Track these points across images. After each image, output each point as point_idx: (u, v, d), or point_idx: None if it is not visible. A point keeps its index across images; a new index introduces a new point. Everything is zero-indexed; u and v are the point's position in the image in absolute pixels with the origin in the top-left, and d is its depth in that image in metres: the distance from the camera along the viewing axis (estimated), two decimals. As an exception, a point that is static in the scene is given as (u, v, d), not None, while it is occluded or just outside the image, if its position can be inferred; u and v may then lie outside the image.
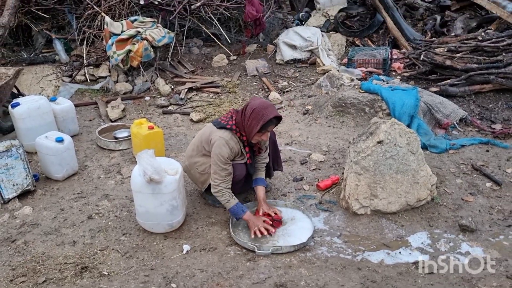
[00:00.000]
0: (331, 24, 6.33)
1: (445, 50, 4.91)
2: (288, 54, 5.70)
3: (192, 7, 5.32)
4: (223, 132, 2.65)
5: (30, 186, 3.16)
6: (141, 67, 5.03)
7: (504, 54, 4.58)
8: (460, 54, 4.74)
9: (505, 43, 4.64)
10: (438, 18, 5.99)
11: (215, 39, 5.65)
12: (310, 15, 6.59)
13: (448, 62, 4.71)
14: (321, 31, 5.99)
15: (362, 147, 2.86)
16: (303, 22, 6.45)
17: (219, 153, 2.60)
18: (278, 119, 2.62)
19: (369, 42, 6.04)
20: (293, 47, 5.71)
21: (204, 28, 5.63)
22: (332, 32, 6.22)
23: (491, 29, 5.41)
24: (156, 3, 5.34)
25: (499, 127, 3.89)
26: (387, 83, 4.45)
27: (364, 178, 2.80)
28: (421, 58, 4.94)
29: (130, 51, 4.85)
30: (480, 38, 4.90)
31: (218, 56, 5.72)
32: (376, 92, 4.16)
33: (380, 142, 2.79)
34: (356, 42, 6.06)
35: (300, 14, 6.53)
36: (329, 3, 6.51)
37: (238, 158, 2.73)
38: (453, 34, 5.56)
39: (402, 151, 2.80)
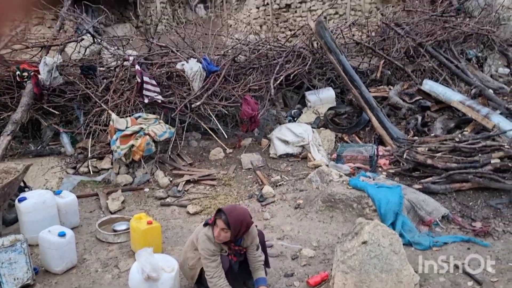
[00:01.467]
0: (321, 121, 6.79)
1: (426, 149, 5.29)
2: (281, 148, 6.07)
3: (193, 106, 5.77)
4: (207, 229, 2.94)
5: (30, 280, 3.27)
6: (142, 160, 5.34)
7: (480, 155, 4.94)
8: (440, 154, 5.11)
9: (480, 145, 5.02)
10: (419, 118, 6.48)
11: (212, 134, 6.04)
12: (302, 112, 7.09)
13: (429, 161, 5.06)
14: (312, 127, 6.45)
15: (348, 246, 3.06)
16: (295, 119, 6.92)
17: (204, 248, 2.86)
18: (225, 214, 2.81)
19: (357, 139, 6.46)
20: (286, 142, 6.10)
21: (203, 124, 6.05)
22: (322, 128, 6.67)
23: (467, 130, 5.84)
24: (159, 101, 5.80)
25: (479, 225, 4.11)
26: (373, 179, 4.74)
27: (350, 277, 2.96)
28: (404, 157, 5.30)
29: (133, 145, 5.20)
30: (457, 139, 5.30)
31: (215, 149, 6.08)
32: (363, 189, 4.43)
33: (364, 242, 2.99)
34: (345, 138, 6.48)
35: (292, 111, 7.03)
36: (319, 101, 7.03)
37: (222, 251, 2.94)
38: (433, 134, 5.99)
39: (385, 251, 2.99)
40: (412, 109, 6.85)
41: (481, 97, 6.59)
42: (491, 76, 8.98)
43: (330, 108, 6.87)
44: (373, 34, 8.08)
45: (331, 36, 6.83)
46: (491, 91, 7.72)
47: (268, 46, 6.73)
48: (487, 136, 5.24)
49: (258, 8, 12.41)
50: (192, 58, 5.98)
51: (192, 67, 5.88)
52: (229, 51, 6.53)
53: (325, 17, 13.09)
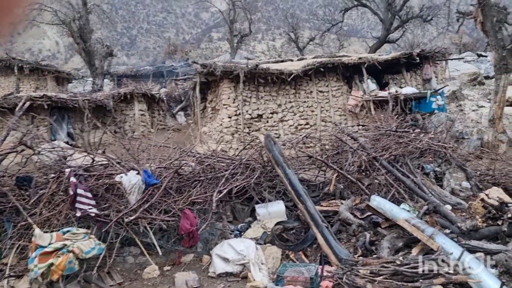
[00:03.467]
0: (268, 236, 6.52)
1: (368, 272, 4.98)
2: (220, 267, 5.72)
3: (126, 220, 5.56)
4: None
5: None
6: (61, 282, 4.95)
7: (421, 280, 4.64)
8: (381, 277, 4.79)
9: (421, 269, 4.74)
10: (368, 235, 6.24)
11: (144, 251, 5.73)
12: (250, 226, 6.85)
13: (368, 286, 4.73)
14: (258, 243, 6.16)
15: None
16: (242, 233, 6.66)
17: None
18: None
19: (303, 257, 6.14)
20: (226, 260, 5.77)
21: (137, 240, 5.77)
22: (269, 244, 6.37)
23: (411, 252, 5.58)
24: (93, 214, 5.59)
25: None
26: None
27: None
28: (343, 280, 4.97)
29: (52, 264, 4.86)
30: (398, 262, 5.02)
31: (150, 267, 5.72)
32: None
33: None
34: (290, 256, 6.16)
35: (239, 225, 6.79)
36: (267, 215, 6.84)
37: None
38: (380, 253, 5.71)
39: None
40: (362, 225, 6.63)
41: (429, 215, 6.43)
42: (452, 190, 8.94)
43: (278, 223, 6.64)
44: (327, 147, 8.19)
45: (279, 150, 6.88)
46: (448, 206, 7.62)
47: (216, 159, 6.72)
48: (430, 259, 4.97)
49: (230, 117, 12.81)
50: (132, 171, 5.92)
51: (130, 180, 5.79)
52: (174, 163, 6.50)
53: (296, 127, 13.49)
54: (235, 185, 6.42)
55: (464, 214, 7.67)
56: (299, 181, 7.80)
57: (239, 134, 12.64)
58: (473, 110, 17.61)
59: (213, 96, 14.29)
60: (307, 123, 13.41)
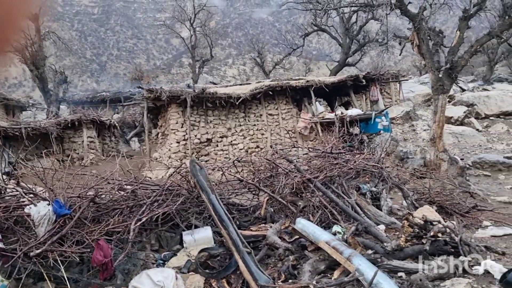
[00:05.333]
0: (192, 264, 6.33)
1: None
2: (135, 300, 5.47)
3: (31, 254, 5.28)
4: None
5: None
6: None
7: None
8: (292, 304, 4.67)
9: (331, 292, 4.65)
10: (291, 258, 6.13)
11: (49, 285, 5.44)
12: (176, 254, 6.64)
13: (279, 312, 4.59)
14: (182, 272, 5.96)
15: None
16: (166, 262, 6.44)
17: None
18: None
19: (225, 284, 5.95)
20: (143, 293, 5.53)
21: (45, 275, 5.48)
22: (192, 273, 6.17)
23: (330, 277, 5.51)
24: (-2, 248, 5.29)
25: None
26: None
27: None
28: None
29: None
30: (312, 286, 4.92)
31: (60, 303, 5.42)
32: None
33: None
34: (213, 284, 5.97)
35: (163, 254, 6.57)
36: (194, 242, 6.65)
37: None
38: (301, 277, 5.61)
39: None
40: (289, 249, 6.52)
41: (351, 236, 6.40)
42: (391, 210, 8.99)
43: (202, 250, 6.46)
44: (262, 170, 8.14)
45: (205, 175, 6.76)
46: (382, 226, 7.64)
47: (139, 185, 6.54)
48: (342, 282, 4.90)
49: (178, 142, 12.66)
50: (42, 201, 5.67)
51: (40, 211, 5.53)
52: (90, 191, 6.27)
53: (246, 151, 13.44)
54: (156, 212, 6.23)
55: (397, 233, 7.69)
56: (232, 206, 7.72)
57: (188, 159, 12.47)
58: (424, 130, 18.05)
59: (162, 121, 14.15)
60: (258, 146, 13.40)
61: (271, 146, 11.34)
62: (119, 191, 6.48)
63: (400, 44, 13.41)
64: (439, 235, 6.56)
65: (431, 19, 12.03)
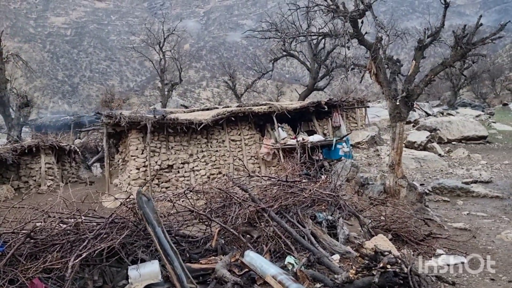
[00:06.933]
0: (136, 301, 6.07)
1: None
2: None
3: (-45, 295, 4.95)
4: None
5: None
6: None
7: None
8: None
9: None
10: (237, 294, 5.97)
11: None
12: (121, 291, 6.36)
13: None
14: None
15: None
16: (108, 300, 6.16)
17: None
18: None
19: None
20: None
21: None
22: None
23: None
24: None
25: None
26: None
27: None
28: None
29: None
30: (252, 325, 4.76)
31: None
32: None
33: None
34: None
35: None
36: (139, 277, 6.38)
37: None
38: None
39: None
40: (238, 283, 6.35)
41: (299, 269, 6.29)
42: (348, 238, 8.95)
43: (147, 286, 6.22)
44: (214, 199, 7.99)
45: (152, 207, 6.57)
46: (337, 256, 7.56)
47: (81, 218, 6.28)
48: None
49: (138, 169, 12.40)
50: (-28, 238, 5.36)
51: (-31, 248, 5.22)
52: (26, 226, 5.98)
53: (208, 177, 13.27)
54: (98, 247, 5.98)
55: (351, 263, 7.63)
56: (181, 237, 7.51)
57: (147, 186, 12.21)
58: (389, 155, 18.31)
59: (123, 147, 13.88)
60: (220, 172, 13.26)
61: (224, 175, 11.22)
62: (60, 225, 6.20)
63: (360, 72, 13.68)
64: (389, 266, 6.52)
65: (388, 48, 12.34)
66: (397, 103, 11.45)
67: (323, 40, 28.38)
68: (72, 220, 6.39)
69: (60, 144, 15.15)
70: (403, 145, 12.53)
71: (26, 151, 14.05)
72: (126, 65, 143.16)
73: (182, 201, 8.07)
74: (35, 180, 14.17)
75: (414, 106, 25.94)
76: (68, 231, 6.22)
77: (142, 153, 12.46)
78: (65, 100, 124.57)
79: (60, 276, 5.82)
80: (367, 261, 6.86)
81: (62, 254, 5.92)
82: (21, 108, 20.16)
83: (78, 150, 16.25)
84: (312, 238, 7.90)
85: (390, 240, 8.52)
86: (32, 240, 5.88)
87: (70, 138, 19.69)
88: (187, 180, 12.92)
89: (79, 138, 20.82)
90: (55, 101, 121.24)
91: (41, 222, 6.18)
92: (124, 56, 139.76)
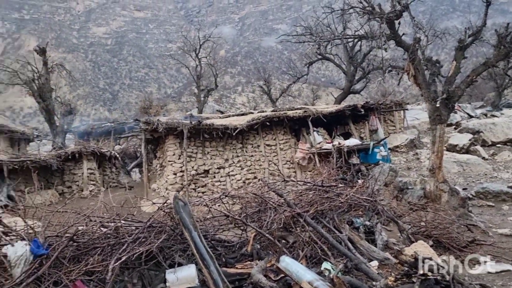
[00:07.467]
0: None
1: None
2: None
3: (4, 296, 5.19)
4: None
5: None
6: None
7: None
8: None
9: None
10: (274, 300, 5.93)
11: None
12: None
13: None
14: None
15: None
16: (147, 302, 6.28)
17: None
18: None
19: (205, 327, 5.78)
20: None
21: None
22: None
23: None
24: (-29, 290, 5.21)
25: None
26: None
27: None
28: None
29: None
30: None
31: None
32: None
33: None
34: (193, 326, 5.79)
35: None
36: (176, 281, 6.49)
37: None
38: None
39: None
40: (274, 289, 6.32)
41: (335, 276, 6.18)
42: (387, 244, 8.74)
43: (185, 291, 6.30)
44: (249, 204, 8.01)
45: (188, 211, 6.67)
46: (375, 263, 7.40)
47: (120, 222, 6.45)
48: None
49: (175, 174, 12.63)
50: (19, 241, 5.61)
51: (16, 251, 5.47)
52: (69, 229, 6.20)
53: (243, 182, 13.34)
54: (137, 250, 6.12)
55: (390, 270, 7.44)
56: (217, 242, 7.57)
57: (184, 191, 12.40)
58: (428, 158, 17.76)
59: (160, 152, 14.18)
60: (255, 177, 13.29)
61: (259, 180, 11.24)
62: (101, 228, 6.40)
63: (398, 74, 13.38)
64: (430, 273, 6.32)
65: (427, 49, 12.02)
66: (437, 105, 11.12)
67: (359, 42, 27.98)
68: (112, 224, 6.57)
69: (101, 150, 15.69)
70: (444, 148, 12.14)
71: (70, 157, 14.65)
72: (163, 72, 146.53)
73: (218, 205, 8.16)
74: (78, 185, 14.73)
75: (455, 108, 25.06)
76: (109, 235, 6.39)
77: (179, 158, 12.69)
78: (106, 107, 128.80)
79: (101, 278, 6.00)
80: (406, 268, 6.68)
81: (102, 257, 6.09)
82: (65, 115, 21.02)
83: (118, 156, 16.76)
84: (349, 244, 7.76)
85: (431, 246, 8.26)
86: (74, 243, 6.08)
87: (111, 144, 20.32)
88: (223, 185, 13.03)
89: (119, 144, 21.45)
90: (97, 108, 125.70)
91: (83, 226, 6.40)
92: (162, 64, 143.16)
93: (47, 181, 14.51)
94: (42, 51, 20.35)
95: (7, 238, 5.86)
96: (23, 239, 5.88)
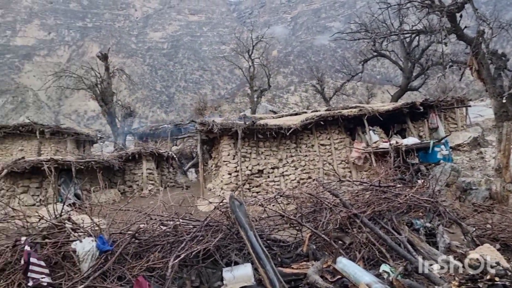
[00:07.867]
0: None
1: None
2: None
3: (73, 289, 5.51)
4: None
5: None
6: None
7: None
8: None
9: None
10: (331, 302, 5.86)
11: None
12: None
13: None
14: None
15: None
16: (205, 299, 6.42)
17: None
18: None
19: (262, 326, 5.81)
20: (178, 329, 5.55)
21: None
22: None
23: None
24: (45, 284, 5.59)
25: None
26: None
27: None
28: None
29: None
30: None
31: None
32: None
33: None
34: (249, 325, 5.84)
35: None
36: (233, 279, 6.58)
37: None
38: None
39: None
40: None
41: (395, 279, 5.99)
42: (449, 247, 8.35)
43: (241, 288, 6.38)
44: (307, 204, 7.95)
45: (244, 211, 6.74)
46: (437, 266, 7.11)
47: (179, 221, 6.65)
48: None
49: (230, 174, 12.82)
50: (86, 237, 5.95)
51: (84, 247, 5.80)
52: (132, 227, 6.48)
53: (298, 182, 13.27)
54: (195, 248, 6.28)
55: (453, 274, 7.11)
56: (273, 242, 7.58)
57: (239, 191, 12.56)
58: (494, 157, 16.76)
59: (215, 153, 14.45)
60: (309, 177, 13.19)
61: (314, 180, 11.12)
62: (161, 227, 6.62)
63: (460, 69, 12.76)
64: (497, 278, 5.97)
65: (492, 42, 11.35)
66: (504, 101, 10.49)
67: (416, 37, 26.93)
68: (171, 222, 6.79)
69: (159, 151, 16.29)
70: (512, 146, 11.42)
71: (130, 157, 15.33)
72: (217, 74, 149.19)
73: (273, 205, 8.18)
74: (138, 185, 15.38)
75: (524, 103, 23.39)
76: (168, 233, 6.61)
77: (233, 159, 12.87)
78: (162, 109, 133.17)
79: (161, 275, 6.21)
80: (471, 273, 6.35)
81: (162, 254, 6.31)
82: (125, 118, 22.03)
83: (175, 156, 17.31)
84: (409, 246, 7.49)
85: (498, 250, 7.79)
86: (136, 241, 6.35)
87: (168, 145, 21.01)
88: (277, 185, 13.05)
89: (176, 145, 22.13)
90: (154, 110, 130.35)
91: (144, 224, 6.66)
92: (216, 65, 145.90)
93: (109, 180, 15.29)
94: (104, 57, 21.45)
95: (76, 234, 6.23)
96: (90, 235, 6.22)
